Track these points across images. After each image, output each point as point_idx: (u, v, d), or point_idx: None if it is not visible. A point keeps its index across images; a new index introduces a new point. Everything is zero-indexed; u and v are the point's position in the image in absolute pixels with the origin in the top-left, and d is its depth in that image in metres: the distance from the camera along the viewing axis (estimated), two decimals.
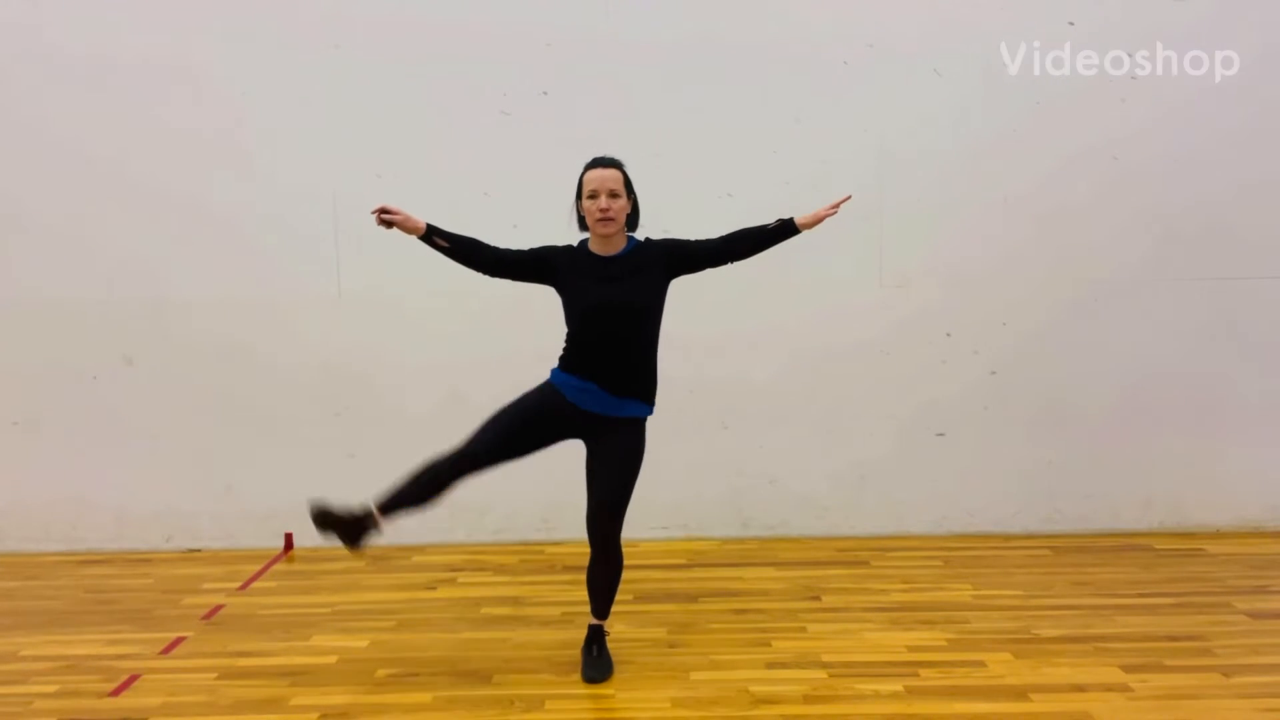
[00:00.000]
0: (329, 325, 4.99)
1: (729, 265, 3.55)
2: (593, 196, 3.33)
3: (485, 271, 3.47)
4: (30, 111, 4.87)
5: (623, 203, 3.35)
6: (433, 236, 3.40)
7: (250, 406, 5.01)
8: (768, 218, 5.11)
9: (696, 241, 3.49)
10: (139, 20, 4.83)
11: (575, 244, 3.47)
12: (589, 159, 3.44)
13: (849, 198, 3.56)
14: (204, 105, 4.88)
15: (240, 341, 4.98)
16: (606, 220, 3.32)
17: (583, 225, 3.45)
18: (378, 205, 3.39)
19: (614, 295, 3.33)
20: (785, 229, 3.49)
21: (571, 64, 4.87)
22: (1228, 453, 5.09)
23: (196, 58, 4.86)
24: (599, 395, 3.36)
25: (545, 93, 4.90)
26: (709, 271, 4.86)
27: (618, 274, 3.36)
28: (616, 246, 3.41)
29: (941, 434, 5.10)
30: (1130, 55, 4.90)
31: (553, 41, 4.88)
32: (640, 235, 3.54)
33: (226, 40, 4.85)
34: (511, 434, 3.41)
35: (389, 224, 3.39)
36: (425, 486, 3.40)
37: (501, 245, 3.48)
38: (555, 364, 3.48)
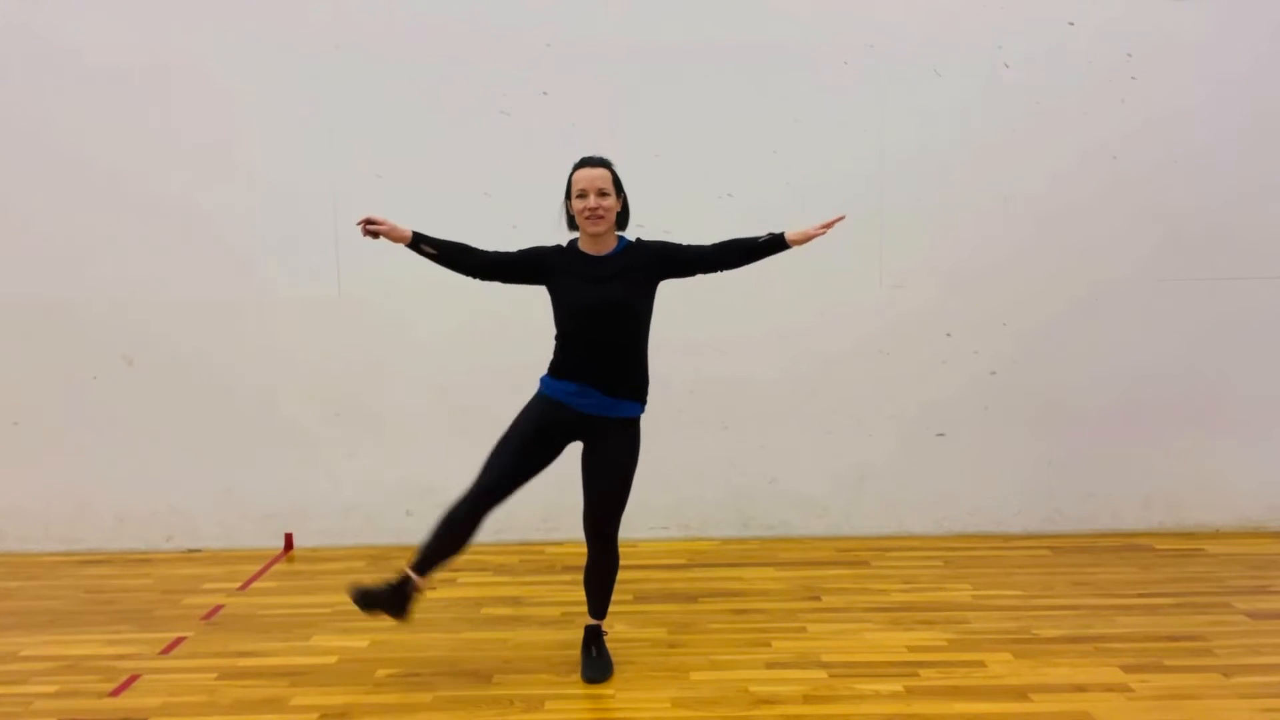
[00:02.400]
0: (329, 325, 4.99)
1: (719, 273, 3.52)
2: (581, 195, 3.33)
3: (475, 275, 3.48)
4: (29, 112, 4.87)
5: (611, 201, 3.36)
6: (420, 244, 3.42)
7: (250, 406, 5.01)
8: (768, 218, 5.10)
9: (689, 246, 3.48)
10: (139, 21, 4.83)
11: (565, 244, 3.48)
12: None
13: (842, 218, 3.51)
14: (204, 106, 4.88)
15: (240, 341, 4.98)
16: (596, 218, 3.32)
17: (572, 225, 3.45)
18: (362, 216, 3.41)
19: (605, 295, 3.34)
20: (775, 244, 3.46)
21: (571, 64, 4.88)
22: (1228, 453, 5.09)
23: (196, 58, 4.85)
24: (594, 396, 3.36)
25: (545, 93, 4.90)
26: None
27: (609, 273, 3.36)
28: (607, 246, 3.42)
29: (941, 434, 5.10)
30: (1130, 55, 4.91)
31: (553, 41, 4.88)
32: (633, 235, 3.54)
33: (227, 41, 4.85)
34: (520, 455, 3.39)
35: (375, 234, 3.41)
36: (451, 536, 3.38)
37: (499, 247, 3.50)
38: (545, 370, 3.48)
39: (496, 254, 3.45)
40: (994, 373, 5.07)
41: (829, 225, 3.46)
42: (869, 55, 4.90)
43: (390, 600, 3.40)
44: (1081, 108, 4.92)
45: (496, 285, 3.55)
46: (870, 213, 4.94)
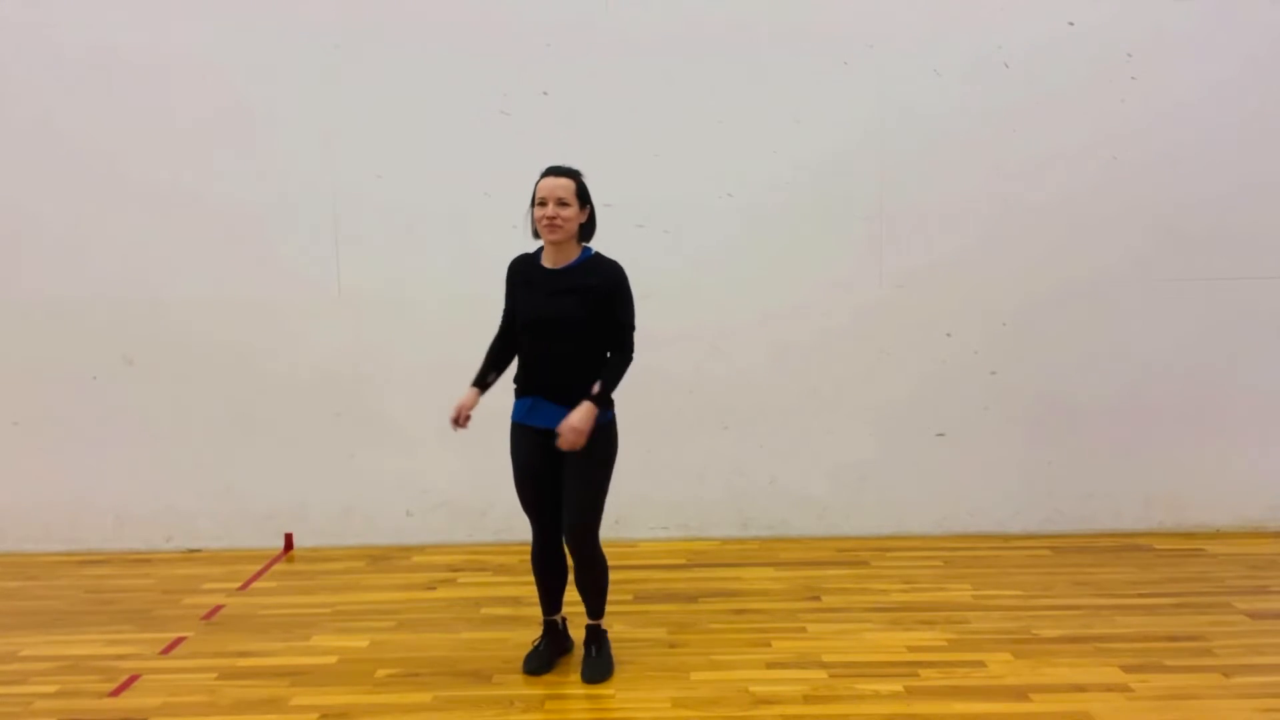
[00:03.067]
0: (329, 325, 4.99)
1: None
2: (541, 204, 3.36)
3: (517, 350, 3.54)
4: (29, 112, 4.87)
5: (571, 212, 3.36)
6: (485, 385, 3.55)
7: (250, 406, 5.01)
8: (768, 218, 5.14)
9: (618, 318, 3.40)
10: (138, 21, 4.83)
11: (530, 252, 3.53)
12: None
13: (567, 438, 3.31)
14: (204, 105, 4.88)
15: (240, 341, 4.98)
16: (553, 227, 3.35)
17: (536, 233, 3.47)
18: (452, 423, 3.49)
19: (555, 309, 3.37)
20: (594, 397, 3.35)
21: (571, 63, 4.87)
22: (1227, 452, 5.09)
23: (196, 58, 4.85)
24: (550, 409, 3.39)
25: (545, 93, 4.90)
26: (709, 270, 4.91)
27: (563, 287, 3.39)
28: (567, 257, 3.43)
29: (941, 434, 5.10)
30: (1130, 55, 4.90)
31: (552, 41, 4.87)
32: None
33: (226, 40, 4.85)
34: (534, 484, 3.49)
35: (466, 421, 3.50)
36: (547, 574, 3.61)
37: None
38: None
39: (505, 322, 3.59)
40: (994, 373, 5.07)
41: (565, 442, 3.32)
42: (869, 55, 4.90)
43: (552, 646, 3.68)
44: (1081, 107, 4.92)
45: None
46: (870, 213, 4.94)
